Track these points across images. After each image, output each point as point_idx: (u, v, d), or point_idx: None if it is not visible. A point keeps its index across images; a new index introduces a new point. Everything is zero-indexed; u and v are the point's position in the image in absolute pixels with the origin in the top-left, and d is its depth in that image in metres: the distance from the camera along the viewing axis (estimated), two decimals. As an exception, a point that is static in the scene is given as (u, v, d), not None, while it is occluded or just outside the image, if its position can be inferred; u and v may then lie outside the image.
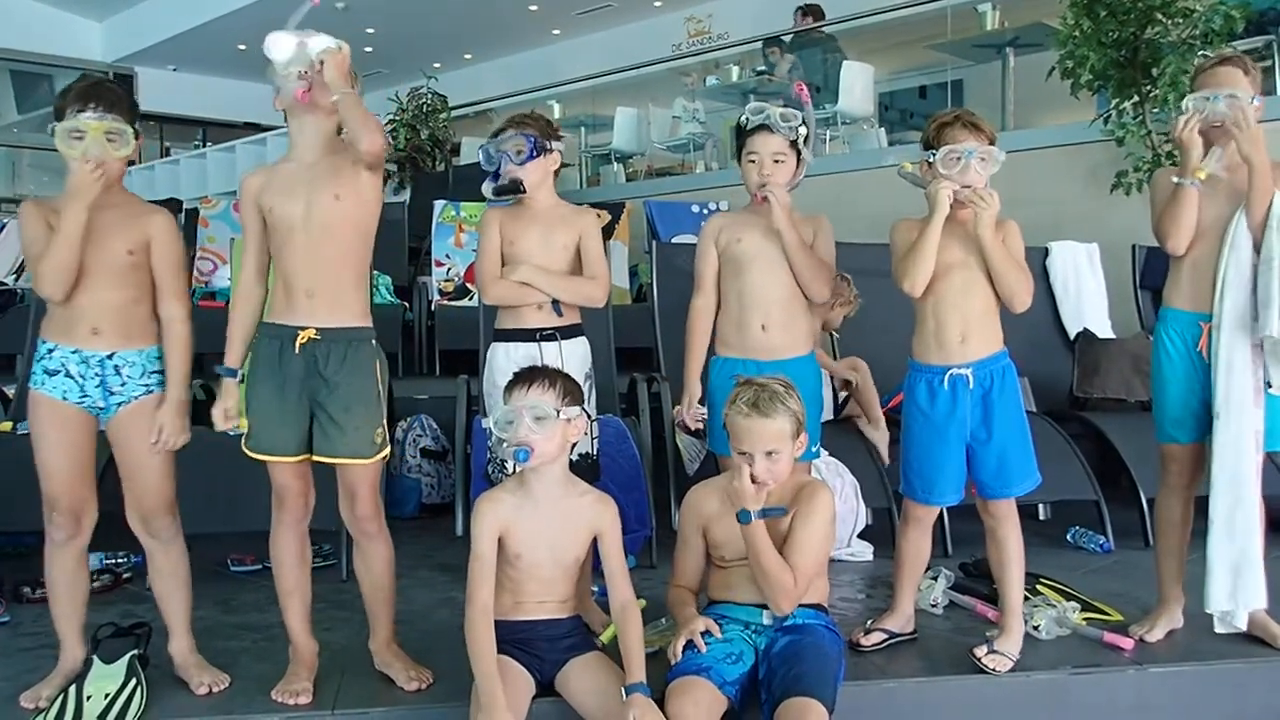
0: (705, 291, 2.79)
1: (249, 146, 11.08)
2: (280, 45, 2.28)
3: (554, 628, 2.31)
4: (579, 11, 11.77)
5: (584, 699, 2.20)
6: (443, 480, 4.35)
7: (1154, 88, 5.09)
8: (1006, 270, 2.48)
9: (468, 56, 13.17)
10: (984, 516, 2.61)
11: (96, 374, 2.32)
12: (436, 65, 10.16)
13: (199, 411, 4.03)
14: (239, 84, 13.66)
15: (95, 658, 2.37)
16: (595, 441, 2.78)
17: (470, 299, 5.87)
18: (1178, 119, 2.58)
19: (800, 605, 2.32)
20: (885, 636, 2.65)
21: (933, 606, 2.94)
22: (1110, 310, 4.96)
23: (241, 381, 2.43)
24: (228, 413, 2.42)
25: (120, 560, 3.29)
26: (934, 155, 2.50)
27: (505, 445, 2.24)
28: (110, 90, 2.31)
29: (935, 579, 2.99)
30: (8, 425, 3.75)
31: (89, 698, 2.27)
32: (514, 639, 2.25)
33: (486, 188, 2.78)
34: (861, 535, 3.61)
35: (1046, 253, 4.96)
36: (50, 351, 2.32)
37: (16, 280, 6.41)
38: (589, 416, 2.52)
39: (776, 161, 2.66)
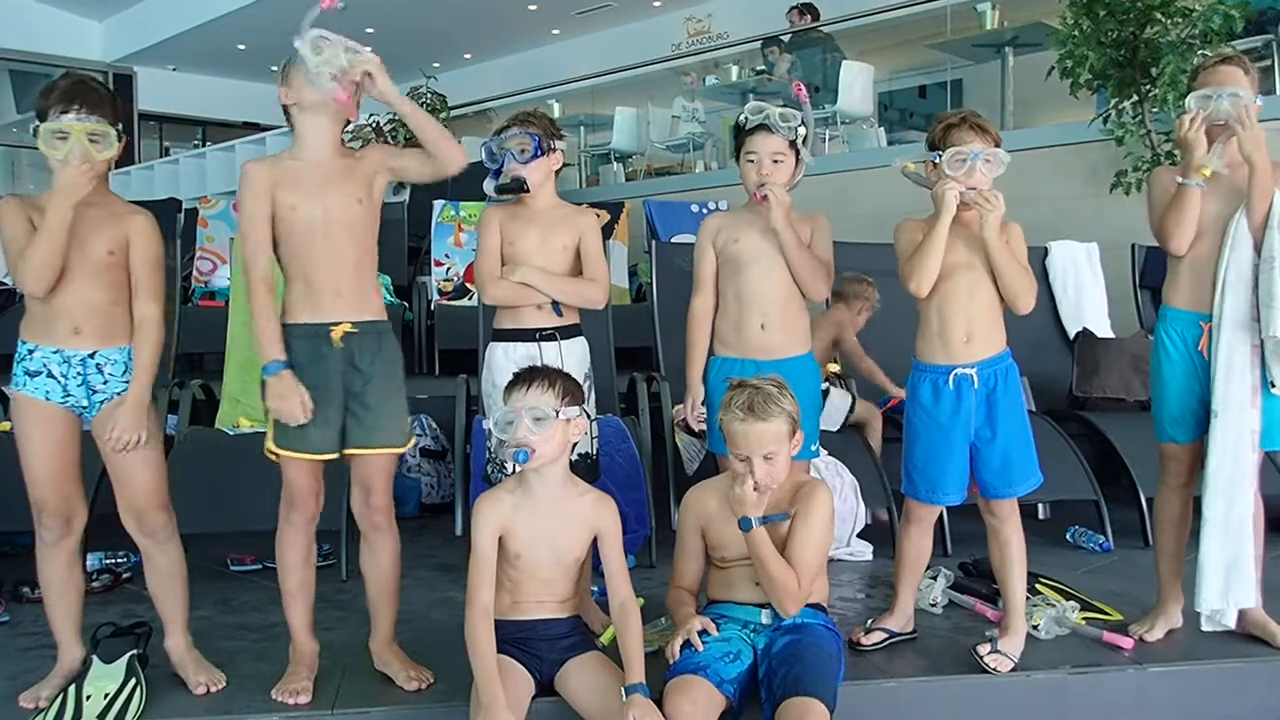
0: (704, 291, 2.79)
1: (248, 146, 11.06)
2: (318, 45, 2.26)
3: (553, 627, 2.31)
4: (578, 11, 11.77)
5: (583, 699, 2.20)
6: (442, 480, 4.35)
7: (1153, 87, 5.09)
8: (1011, 272, 2.48)
9: (467, 56, 13.17)
10: (986, 516, 2.61)
11: (79, 373, 2.30)
12: (436, 65, 10.16)
13: (198, 412, 4.06)
14: (238, 84, 13.68)
15: (95, 657, 2.36)
16: (595, 441, 2.78)
17: (470, 299, 5.87)
18: (1182, 118, 2.57)
19: (808, 605, 2.33)
20: (885, 636, 2.65)
21: (932, 606, 2.94)
22: (1110, 310, 4.96)
23: (288, 367, 2.30)
24: (304, 404, 2.29)
25: (120, 560, 3.29)
26: (940, 156, 2.51)
27: (505, 446, 2.24)
28: (94, 90, 2.29)
29: (935, 578, 2.99)
30: (6, 425, 3.75)
31: (88, 697, 2.26)
32: (514, 638, 2.26)
33: (489, 185, 2.78)
34: (861, 535, 3.61)
35: (1046, 252, 4.97)
36: (31, 352, 2.31)
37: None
38: (588, 417, 2.52)
39: (775, 161, 2.66)
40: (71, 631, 2.41)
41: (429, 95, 9.08)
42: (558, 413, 2.22)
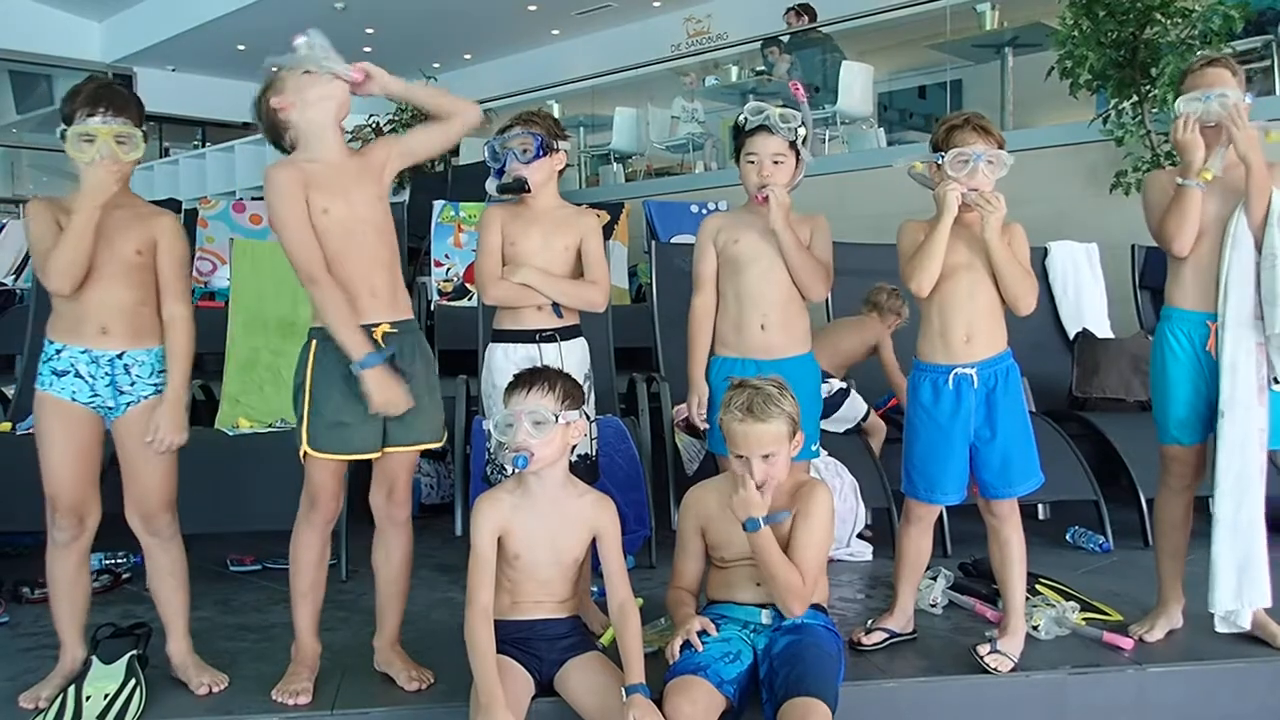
0: (705, 291, 2.79)
1: (248, 146, 11.07)
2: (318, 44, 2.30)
3: (553, 627, 2.31)
4: (578, 12, 11.77)
5: (583, 699, 2.20)
6: (442, 480, 4.34)
7: (1153, 88, 5.09)
8: (1011, 274, 2.49)
9: (467, 56, 13.17)
10: (986, 516, 2.62)
11: (106, 373, 2.32)
12: (436, 65, 10.17)
13: (198, 412, 4.05)
14: (238, 84, 13.63)
15: (94, 658, 2.36)
16: (594, 443, 2.78)
17: (469, 299, 5.87)
18: (1176, 122, 2.58)
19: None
20: (886, 636, 2.66)
21: (932, 606, 2.94)
22: (1109, 310, 4.96)
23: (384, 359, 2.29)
24: (405, 397, 2.29)
25: (120, 560, 3.29)
26: (943, 157, 2.51)
27: (504, 449, 2.24)
28: (118, 93, 2.32)
29: (935, 579, 2.99)
30: (6, 425, 3.75)
31: (88, 698, 2.27)
32: (513, 639, 2.26)
33: (491, 185, 2.78)
34: (860, 535, 3.61)
35: (1046, 252, 4.97)
36: (58, 352, 2.32)
37: (16, 280, 6.41)
38: (588, 418, 2.52)
39: (776, 162, 2.66)
40: (75, 632, 2.42)
41: (429, 96, 9.07)
42: (557, 417, 2.22)
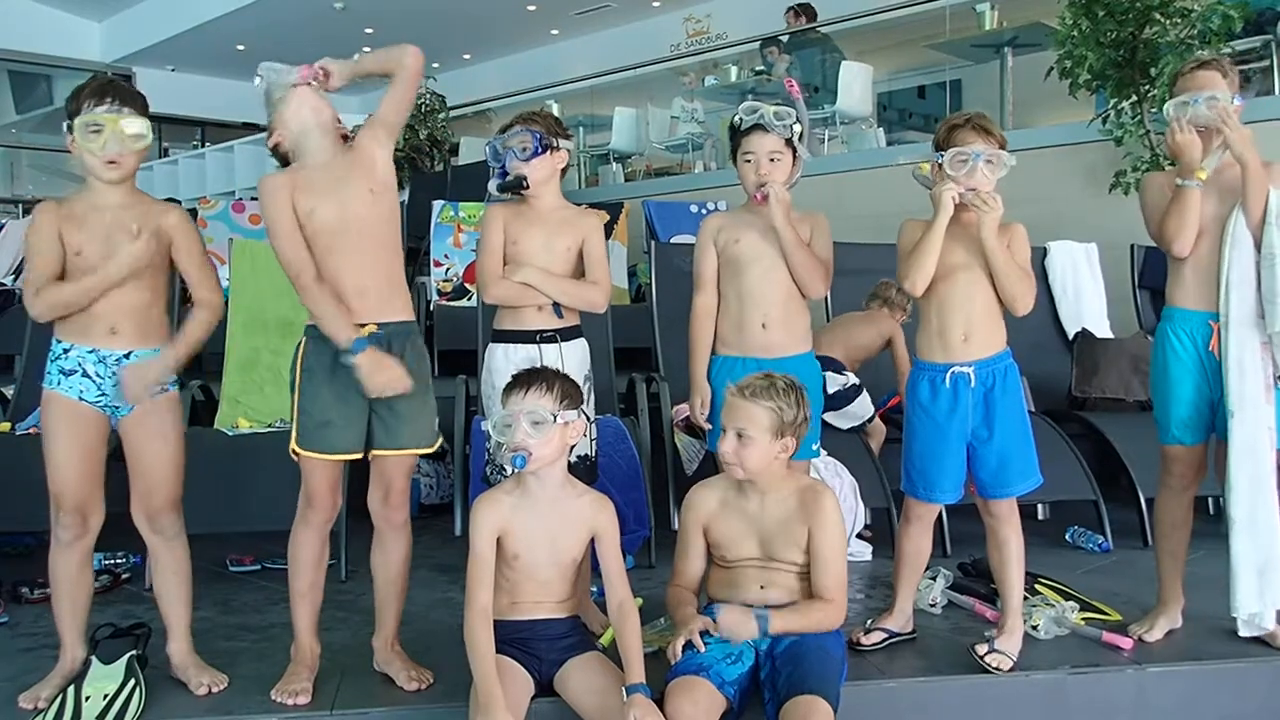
0: (706, 291, 2.79)
1: (247, 147, 11.05)
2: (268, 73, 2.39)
3: (552, 627, 2.31)
4: (577, 12, 11.78)
5: (583, 699, 2.20)
6: (441, 481, 4.34)
7: (1152, 88, 5.09)
8: (1008, 274, 2.49)
9: (466, 56, 13.17)
10: (984, 516, 2.62)
11: (114, 373, 2.32)
12: (435, 65, 10.15)
13: (198, 412, 4.05)
14: (237, 84, 13.61)
15: (94, 658, 2.36)
16: (594, 444, 2.77)
17: (469, 299, 5.87)
18: (1170, 126, 2.59)
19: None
20: (885, 636, 2.66)
21: (931, 606, 2.94)
22: (1109, 310, 4.96)
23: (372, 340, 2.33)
24: (402, 376, 2.31)
25: (120, 560, 3.28)
26: (943, 157, 2.51)
27: (503, 450, 2.24)
28: (124, 88, 2.34)
29: (934, 579, 2.99)
30: (6, 425, 3.75)
31: (88, 698, 2.27)
32: (513, 639, 2.26)
33: (492, 184, 2.77)
34: (860, 535, 3.61)
35: (1045, 252, 4.97)
36: (66, 351, 2.33)
37: (15, 280, 6.40)
38: (587, 419, 2.52)
39: (773, 160, 2.66)
40: (76, 632, 2.42)
41: (428, 95, 9.08)
42: (555, 416, 2.22)
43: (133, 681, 2.32)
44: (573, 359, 2.72)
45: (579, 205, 2.93)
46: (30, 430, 3.54)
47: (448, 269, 6.10)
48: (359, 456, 2.40)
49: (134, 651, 2.40)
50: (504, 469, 2.57)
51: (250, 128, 12.48)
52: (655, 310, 4.46)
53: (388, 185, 2.41)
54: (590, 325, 2.90)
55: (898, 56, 9.03)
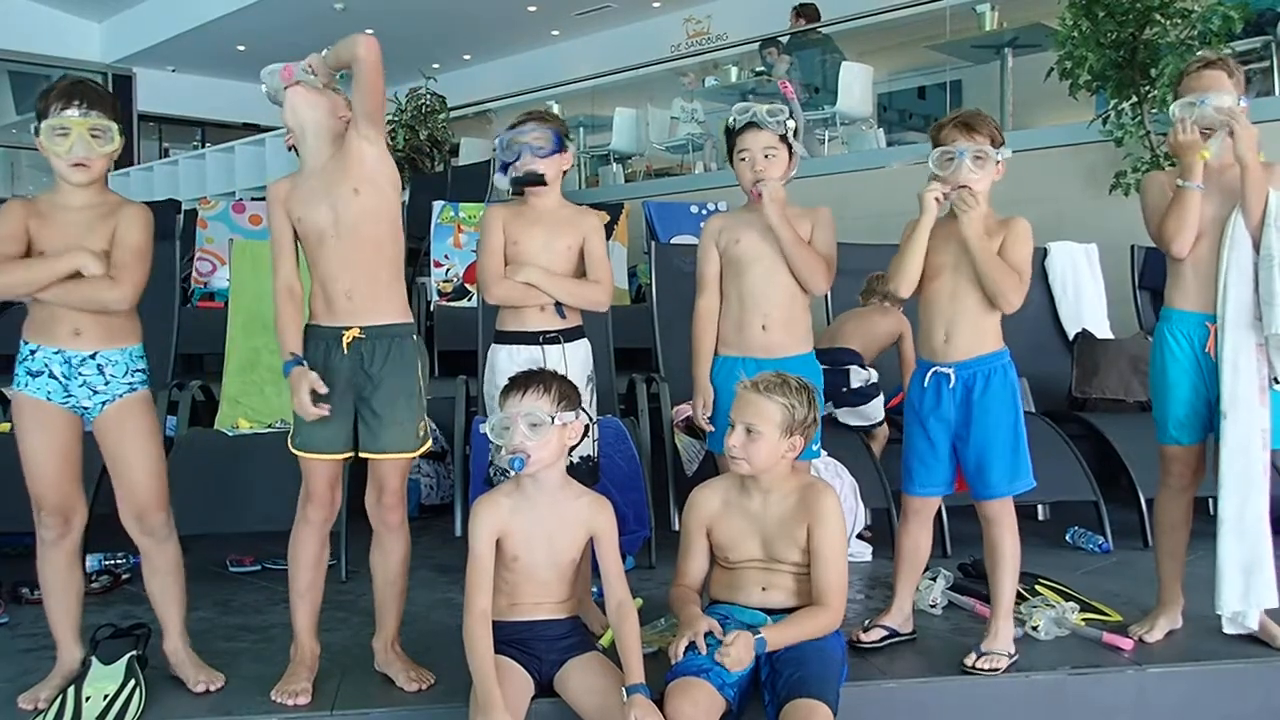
0: (708, 292, 2.80)
1: (247, 147, 11.07)
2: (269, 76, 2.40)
3: (552, 628, 2.31)
4: (578, 12, 11.79)
5: (583, 699, 2.20)
6: (441, 481, 4.34)
7: (1152, 88, 5.09)
8: (990, 270, 2.48)
9: (467, 57, 13.18)
10: (980, 517, 2.62)
11: (80, 374, 2.31)
12: (435, 66, 10.15)
13: (198, 412, 4.05)
14: (237, 84, 13.67)
15: (94, 658, 2.36)
16: (596, 444, 2.77)
17: (469, 300, 5.87)
18: (1174, 127, 2.58)
19: (803, 606, 2.33)
20: (885, 634, 2.66)
21: (931, 607, 2.94)
22: (1109, 310, 4.96)
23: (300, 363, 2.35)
24: (313, 399, 2.30)
25: (119, 561, 3.28)
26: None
27: (501, 452, 2.24)
28: (93, 89, 2.31)
29: (934, 579, 2.99)
30: (6, 426, 3.75)
31: (87, 699, 2.26)
32: (512, 639, 2.26)
33: (501, 180, 2.76)
34: (860, 535, 3.61)
35: (1045, 253, 4.97)
36: (33, 353, 2.31)
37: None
38: (590, 419, 2.52)
39: (767, 156, 2.67)
40: (70, 632, 2.41)
41: (428, 96, 9.09)
42: (553, 418, 2.22)
43: (133, 682, 2.32)
44: (576, 360, 2.72)
45: (579, 205, 2.93)
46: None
47: (448, 269, 6.10)
48: (347, 457, 2.41)
49: (134, 652, 2.40)
50: (506, 471, 2.58)
51: (250, 128, 12.51)
52: (655, 311, 4.46)
53: (375, 181, 2.37)
54: (590, 326, 2.90)
55: (898, 57, 9.03)
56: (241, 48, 12.53)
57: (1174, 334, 2.65)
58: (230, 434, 3.85)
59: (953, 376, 2.53)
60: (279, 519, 2.49)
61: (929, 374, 2.57)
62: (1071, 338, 4.70)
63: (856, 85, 7.68)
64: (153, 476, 2.39)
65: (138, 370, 2.39)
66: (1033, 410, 4.14)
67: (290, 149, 2.47)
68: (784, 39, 8.20)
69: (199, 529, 3.30)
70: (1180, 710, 2.57)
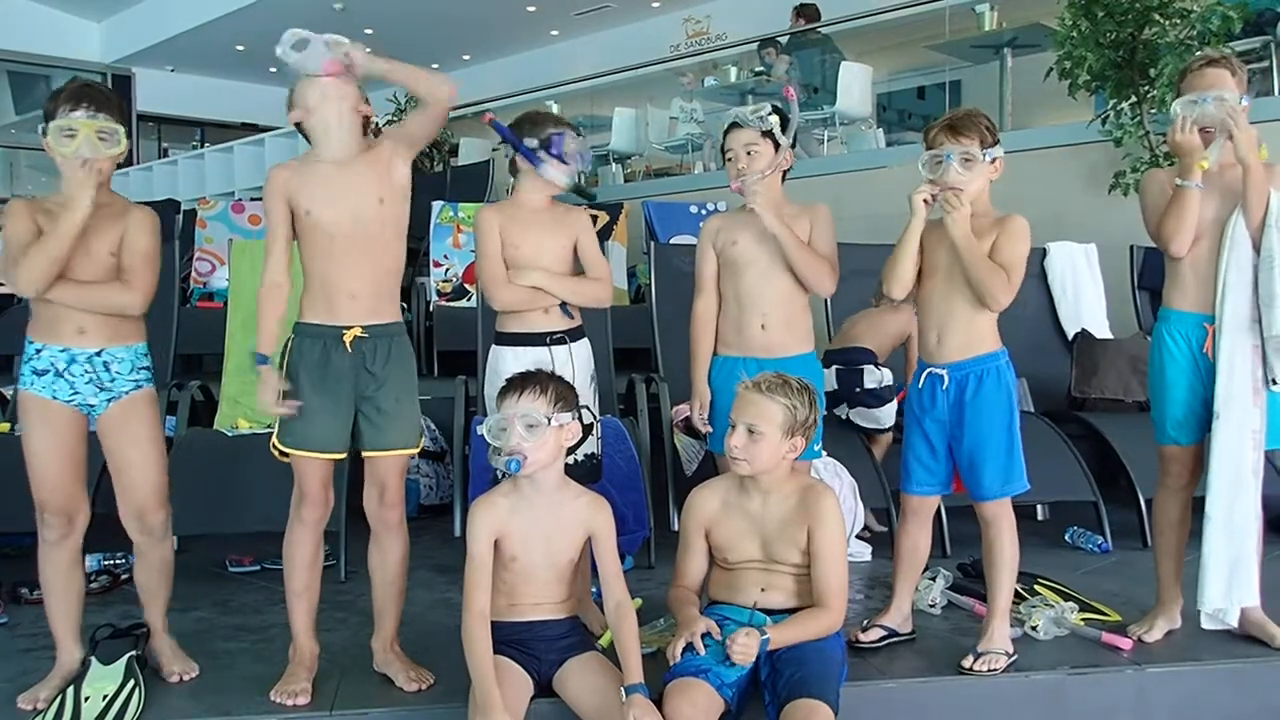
0: (706, 293, 2.80)
1: (247, 147, 11.06)
2: (298, 44, 2.28)
3: (551, 628, 2.31)
4: (577, 12, 11.79)
5: (582, 699, 2.20)
6: (441, 481, 4.34)
7: (1152, 88, 5.09)
8: (975, 269, 2.47)
9: (466, 57, 13.18)
10: (978, 518, 2.62)
11: (87, 371, 2.32)
12: (435, 66, 10.14)
13: (198, 412, 4.05)
14: (237, 85, 13.70)
15: (93, 659, 2.37)
16: (599, 442, 2.77)
17: (469, 300, 5.86)
18: (1174, 124, 2.57)
19: (804, 607, 2.33)
20: (884, 633, 2.66)
21: (931, 607, 2.94)
22: (1108, 311, 4.96)
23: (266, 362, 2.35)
24: (279, 399, 2.31)
25: (119, 561, 3.28)
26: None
27: (499, 454, 2.24)
28: (100, 91, 2.32)
29: (934, 579, 2.99)
30: (5, 426, 3.75)
31: (87, 699, 2.27)
32: (511, 639, 2.26)
33: (559, 176, 2.69)
34: (859, 536, 3.61)
35: (1045, 253, 4.96)
36: (38, 352, 2.32)
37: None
38: (595, 417, 2.52)
39: (749, 153, 2.68)
40: (70, 632, 2.41)
41: (428, 96, 9.07)
42: (550, 419, 2.22)
43: (132, 682, 2.32)
44: (580, 360, 2.73)
45: (566, 205, 2.92)
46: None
47: (447, 269, 6.10)
48: (342, 456, 2.40)
49: (133, 652, 2.40)
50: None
51: (249, 128, 12.51)
52: (655, 311, 4.46)
53: (401, 196, 2.43)
54: (590, 326, 2.90)
55: (897, 57, 9.03)
56: (241, 48, 12.53)
57: (1172, 334, 2.65)
58: (230, 434, 3.85)
59: (946, 377, 2.54)
60: (278, 519, 2.49)
61: (924, 375, 2.58)
62: (1071, 338, 4.70)
63: (856, 85, 7.68)
64: (155, 474, 2.41)
65: (143, 368, 2.40)
66: (1032, 410, 4.14)
67: (295, 126, 2.41)
68: (783, 39, 8.20)
69: (198, 529, 3.31)
70: (1180, 710, 2.57)
